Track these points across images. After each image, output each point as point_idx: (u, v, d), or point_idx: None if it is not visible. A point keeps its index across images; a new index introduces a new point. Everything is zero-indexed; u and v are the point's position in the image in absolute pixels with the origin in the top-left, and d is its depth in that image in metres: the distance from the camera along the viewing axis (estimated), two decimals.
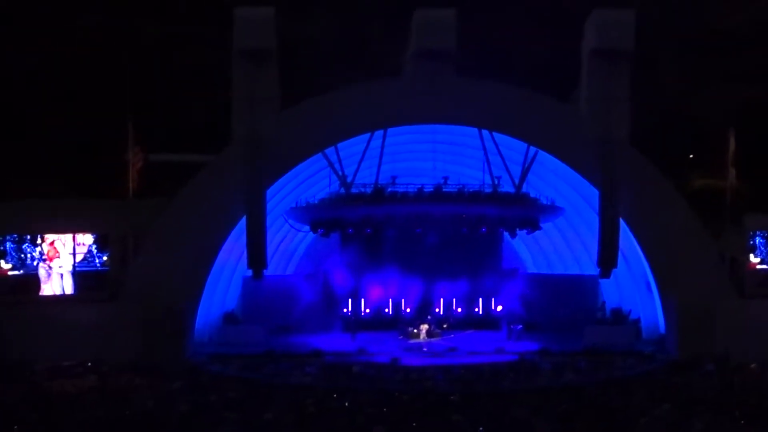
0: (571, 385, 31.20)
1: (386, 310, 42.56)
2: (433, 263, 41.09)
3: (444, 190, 38.35)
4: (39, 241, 35.90)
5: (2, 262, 35.60)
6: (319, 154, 38.00)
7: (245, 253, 36.63)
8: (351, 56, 45.74)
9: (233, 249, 38.09)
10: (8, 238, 35.56)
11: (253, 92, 35.85)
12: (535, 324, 41.10)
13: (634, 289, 40.10)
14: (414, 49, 37.53)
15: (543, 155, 38.25)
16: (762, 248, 37.38)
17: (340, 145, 37.88)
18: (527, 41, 50.02)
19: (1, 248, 35.51)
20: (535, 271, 45.18)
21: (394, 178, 38.82)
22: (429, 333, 39.40)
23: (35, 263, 35.92)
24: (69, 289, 36.14)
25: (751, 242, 37.34)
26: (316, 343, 37.70)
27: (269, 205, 37.21)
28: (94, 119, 45.80)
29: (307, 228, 40.36)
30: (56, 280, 36.19)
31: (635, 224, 37.45)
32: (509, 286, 42.03)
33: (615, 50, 36.06)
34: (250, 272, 37.41)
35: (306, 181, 40.62)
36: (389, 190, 38.07)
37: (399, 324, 40.81)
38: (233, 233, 37.02)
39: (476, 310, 43.00)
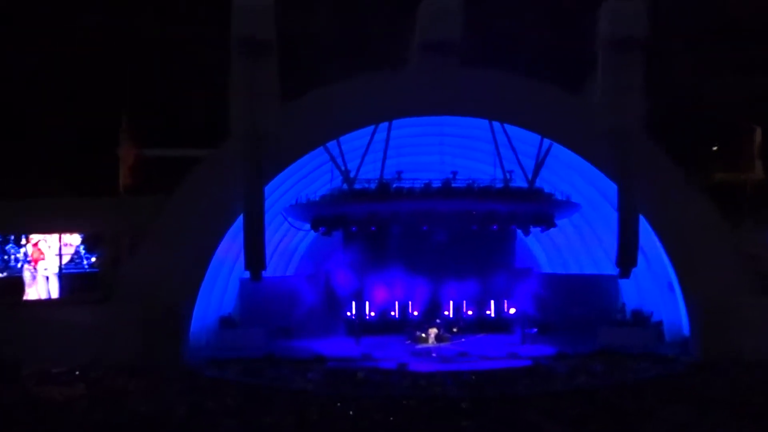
0: (585, 388, 31.45)
1: (392, 312, 42.87)
2: (441, 263, 41.41)
3: (452, 185, 38.49)
4: (24, 241, 36.17)
5: None
6: (321, 149, 38.31)
7: (242, 253, 36.93)
8: (353, 48, 46.02)
9: (230, 249, 38.38)
10: None
11: (252, 85, 36.01)
12: (551, 327, 41.39)
13: (656, 290, 40.26)
14: (419, 40, 37.83)
15: (557, 148, 38.47)
16: None
17: (342, 139, 38.18)
18: (537, 30, 50.24)
19: None
20: (550, 270, 45.45)
21: (399, 173, 38.98)
22: (438, 337, 39.68)
23: (19, 265, 36.23)
24: (55, 293, 36.40)
25: None
26: (318, 347, 37.98)
27: (268, 203, 37.37)
28: (89, 117, 46.28)
29: (307, 226, 40.52)
30: (41, 283, 36.49)
31: (656, 220, 37.61)
32: (522, 287, 42.22)
33: (629, 39, 36.25)
34: (247, 274, 37.48)
35: (307, 177, 40.94)
36: (394, 185, 38.26)
37: (406, 327, 41.12)
38: (230, 232, 37.32)
39: (488, 312, 43.27)
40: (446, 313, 42.57)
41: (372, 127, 38.36)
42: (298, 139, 37.37)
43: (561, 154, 38.90)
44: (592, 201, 40.90)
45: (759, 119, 40.84)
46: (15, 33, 47.91)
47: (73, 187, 42.66)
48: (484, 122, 38.74)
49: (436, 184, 38.37)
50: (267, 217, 37.21)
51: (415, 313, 42.31)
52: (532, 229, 40.04)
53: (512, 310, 42.84)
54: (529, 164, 38.97)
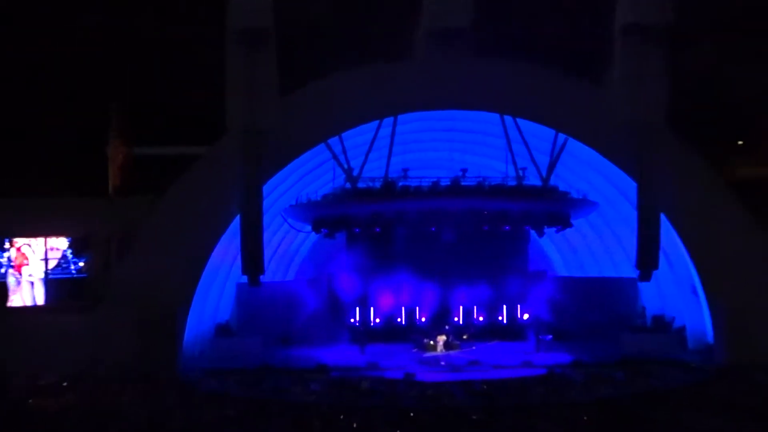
0: (605, 398, 31.32)
1: (398, 319, 42.86)
2: (450, 266, 41.43)
3: (462, 183, 38.48)
4: (7, 245, 36.18)
5: None
6: (322, 145, 38.28)
7: (239, 256, 36.91)
8: (356, 38, 46.03)
9: (226, 252, 38.32)
10: None
11: (249, 77, 35.97)
12: (567, 333, 41.34)
13: (678, 294, 40.16)
14: (426, 28, 37.77)
15: (573, 143, 38.37)
16: None
17: (345, 135, 38.14)
18: (552, 17, 50.18)
19: None
20: (566, 273, 45.48)
21: (405, 170, 39.01)
22: (447, 344, 39.60)
23: (2, 270, 36.24)
24: (40, 299, 36.41)
25: None
26: (320, 356, 37.94)
27: (266, 203, 37.38)
28: (75, 114, 46.46)
29: (308, 228, 40.60)
30: (26, 289, 36.50)
31: (678, 219, 37.51)
32: (537, 291, 42.32)
33: (650, 25, 36.17)
34: (245, 278, 37.54)
35: (307, 176, 40.89)
36: (400, 184, 38.25)
37: (413, 335, 41.05)
38: (226, 234, 37.28)
39: (500, 318, 43.29)
40: (456, 319, 42.52)
41: (376, 122, 38.29)
42: (298, 135, 37.33)
43: (577, 149, 38.78)
44: (610, 199, 40.80)
45: None
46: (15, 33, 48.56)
47: (60, 188, 42.68)
48: (495, 116, 38.65)
49: (445, 182, 38.32)
50: (266, 218, 37.21)
51: (423, 319, 42.31)
52: (546, 229, 40.01)
53: (526, 316, 42.81)
54: (544, 160, 38.88)
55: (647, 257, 36.90)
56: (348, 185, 38.64)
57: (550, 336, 40.38)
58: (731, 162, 48.77)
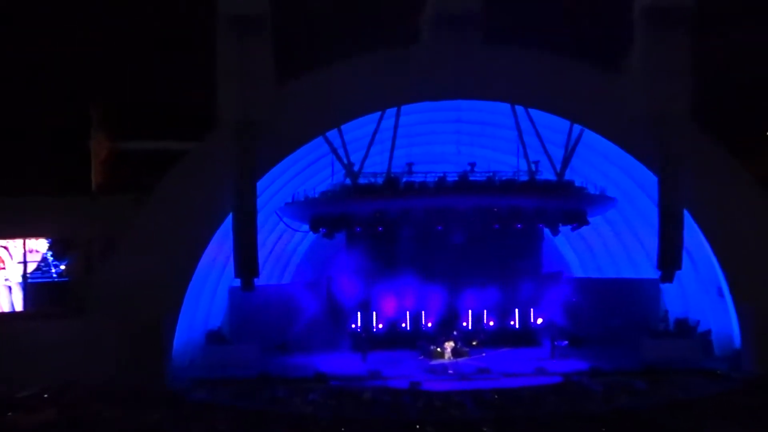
0: (626, 409, 31.21)
1: (403, 324, 42.80)
2: (458, 267, 41.36)
3: (470, 178, 38.47)
4: None
5: None
6: (320, 138, 38.15)
7: (232, 258, 36.82)
8: (357, 24, 46.03)
9: (218, 254, 38.25)
10: None
11: (242, 67, 35.95)
12: (583, 338, 41.32)
13: (703, 296, 40.08)
14: (433, 13, 37.69)
15: (589, 135, 38.27)
16: None
17: (345, 128, 38.01)
18: (567, 1, 50.19)
19: None
20: (583, 274, 45.44)
21: (410, 165, 38.99)
22: (455, 351, 39.53)
23: None
24: (19, 305, 36.37)
25: None
26: (319, 365, 37.91)
27: (261, 200, 37.32)
28: (55, 107, 46.61)
29: (306, 227, 40.51)
30: (3, 295, 36.48)
31: (702, 216, 37.48)
32: (551, 294, 42.24)
33: (672, 9, 36.12)
34: (238, 282, 37.47)
35: (305, 171, 40.83)
36: (404, 179, 38.22)
37: (419, 341, 40.97)
38: (218, 235, 37.18)
39: (512, 323, 43.24)
40: (464, 324, 42.46)
41: (378, 114, 38.20)
42: (294, 128, 37.21)
43: (593, 141, 38.68)
44: (629, 195, 40.74)
45: None
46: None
47: (39, 185, 42.64)
48: (506, 107, 38.58)
49: (452, 178, 38.32)
50: (260, 217, 37.14)
51: (429, 324, 42.21)
52: (561, 227, 39.99)
53: (539, 321, 42.75)
54: (558, 154, 38.81)
55: (669, 257, 36.86)
56: (348, 181, 38.56)
57: (566, 342, 40.43)
58: (760, 156, 48.65)
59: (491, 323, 42.93)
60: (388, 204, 38.16)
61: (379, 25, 44.09)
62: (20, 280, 36.53)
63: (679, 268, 37.22)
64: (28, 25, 49.53)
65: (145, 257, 36.26)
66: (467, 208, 38.11)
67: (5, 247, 36.51)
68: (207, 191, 36.81)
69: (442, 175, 38.24)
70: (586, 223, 39.46)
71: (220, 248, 37.89)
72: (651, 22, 36.50)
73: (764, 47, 49.42)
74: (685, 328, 40.51)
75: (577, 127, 38.33)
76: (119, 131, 41.03)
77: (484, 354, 40.39)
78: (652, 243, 37.82)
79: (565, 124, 38.34)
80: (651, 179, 37.51)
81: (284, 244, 44.04)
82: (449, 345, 39.66)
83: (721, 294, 38.80)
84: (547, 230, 41.32)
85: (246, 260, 36.14)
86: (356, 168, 38.44)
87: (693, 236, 37.73)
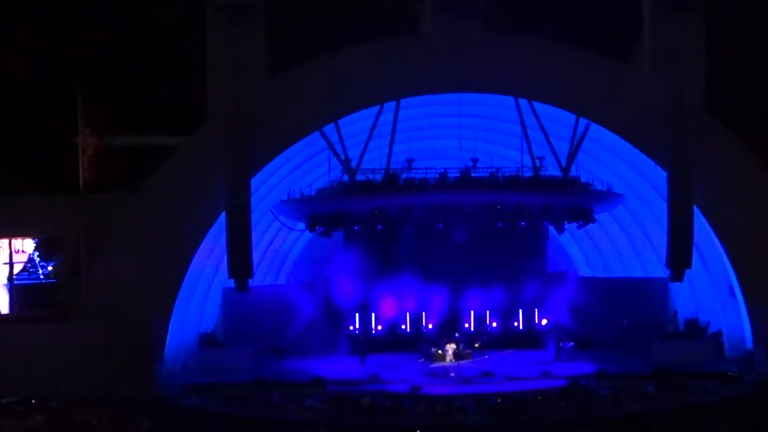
0: (636, 414, 31.06)
1: (403, 326, 42.69)
2: (460, 267, 41.29)
3: (473, 174, 38.36)
4: None
5: None
6: (317, 133, 38.01)
7: (225, 258, 36.68)
8: (354, 12, 45.91)
9: (211, 254, 38.16)
10: None
11: (234, 57, 35.86)
12: (590, 340, 41.26)
13: (714, 295, 40.05)
14: (433, 0, 37.59)
15: (596, 129, 38.18)
16: None
17: (342, 122, 37.89)
18: None
19: None
20: (589, 274, 45.35)
21: (410, 161, 38.94)
22: (457, 354, 39.41)
23: None
24: (5, 307, 36.23)
25: None
26: (316, 369, 37.71)
27: (255, 198, 37.20)
28: (44, 102, 46.64)
29: (302, 225, 40.37)
30: None
31: (714, 214, 37.39)
32: (556, 294, 42.11)
33: None
34: (232, 283, 37.45)
35: (301, 167, 40.70)
36: (404, 176, 38.14)
37: (419, 343, 40.92)
38: (210, 234, 37.07)
39: (516, 324, 43.14)
40: (466, 325, 42.36)
41: (377, 108, 38.02)
42: (289, 122, 37.11)
43: (600, 136, 38.60)
44: (638, 191, 40.68)
45: None
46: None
47: (24, 182, 42.56)
48: (509, 100, 38.45)
49: (454, 174, 38.22)
50: (254, 216, 37.07)
51: (430, 326, 42.12)
52: (567, 225, 39.89)
53: (544, 322, 42.68)
54: (563, 149, 38.69)
55: (679, 255, 36.84)
56: (346, 178, 38.45)
57: (572, 344, 40.24)
58: None
59: (494, 324, 42.84)
60: (387, 201, 38.07)
61: (377, 14, 43.90)
62: (6, 281, 36.37)
63: (689, 266, 37.21)
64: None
65: (134, 257, 36.19)
66: (469, 205, 38.08)
67: None
68: (199, 188, 36.74)
69: (443, 171, 38.17)
70: (593, 220, 39.41)
71: (212, 248, 37.77)
72: (662, 8, 36.37)
73: None
74: (695, 328, 40.57)
75: (583, 121, 38.25)
76: (107, 126, 40.81)
77: (486, 356, 40.40)
78: (661, 241, 37.90)
79: (570, 117, 38.24)
80: (660, 174, 37.46)
81: (279, 244, 43.99)
82: (451, 347, 39.60)
83: (732, 294, 38.78)
84: (552, 228, 41.15)
85: (240, 260, 36.06)
86: (354, 164, 38.33)
87: (703, 234, 37.67)
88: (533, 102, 38.27)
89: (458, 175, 38.23)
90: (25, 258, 36.87)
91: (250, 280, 36.89)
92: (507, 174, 38.37)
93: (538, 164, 38.67)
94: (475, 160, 39.08)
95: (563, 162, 38.60)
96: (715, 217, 37.47)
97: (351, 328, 42.28)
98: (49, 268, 37.01)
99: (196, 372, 37.94)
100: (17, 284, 36.76)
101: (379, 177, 37.99)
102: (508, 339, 42.56)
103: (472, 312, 42.52)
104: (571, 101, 37.82)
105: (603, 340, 41.30)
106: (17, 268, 36.74)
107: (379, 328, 42.50)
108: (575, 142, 38.50)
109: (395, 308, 42.14)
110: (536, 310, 42.85)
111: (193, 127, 37.53)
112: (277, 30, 37.11)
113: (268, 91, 36.47)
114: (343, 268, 41.85)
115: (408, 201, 37.95)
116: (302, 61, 37.92)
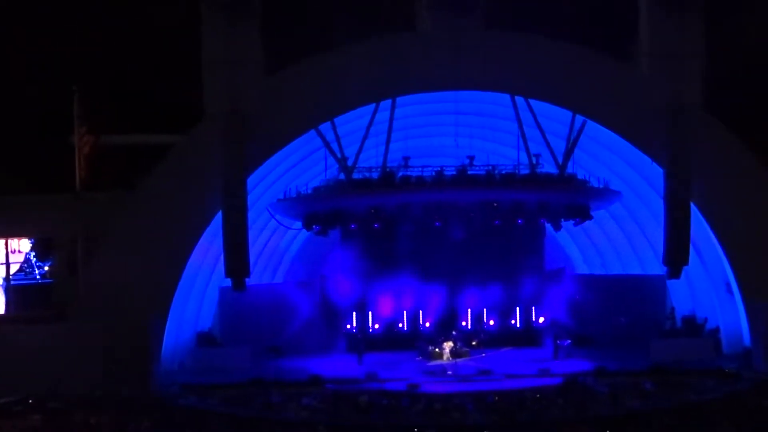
0: (635, 411, 31.21)
1: (400, 324, 42.83)
2: (457, 265, 41.43)
3: (469, 172, 38.47)
4: None
5: None
6: (313, 132, 38.13)
7: (222, 257, 36.80)
8: (351, 8, 45.91)
9: (207, 252, 38.25)
10: None
11: (231, 55, 35.90)
12: (588, 338, 41.42)
13: (711, 292, 40.19)
14: None
15: (593, 126, 38.30)
16: None
17: (338, 120, 38.01)
18: None
19: None
20: (587, 271, 45.51)
21: (406, 159, 38.92)
22: (455, 352, 39.49)
23: None
24: (1, 308, 36.28)
25: None
26: (314, 367, 37.88)
27: (251, 197, 37.35)
28: (39, 100, 46.62)
29: (299, 224, 40.48)
30: None
31: (710, 210, 37.54)
32: (554, 292, 42.36)
33: None
34: (228, 282, 37.54)
35: (297, 166, 40.82)
36: (401, 174, 38.21)
37: (417, 342, 41.02)
38: (207, 233, 37.18)
39: (513, 322, 43.30)
40: (464, 323, 42.49)
41: (373, 105, 38.13)
42: (285, 120, 37.21)
43: (597, 133, 38.74)
44: (635, 188, 40.81)
45: None
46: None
47: (20, 182, 42.56)
48: (506, 97, 38.55)
49: (451, 172, 38.33)
50: (251, 214, 37.19)
51: (428, 324, 42.23)
52: (564, 222, 40.06)
53: (542, 319, 42.86)
54: (560, 146, 38.83)
55: (677, 252, 36.99)
56: (342, 176, 38.57)
57: (570, 341, 40.37)
58: None
59: (492, 322, 42.99)
60: (383, 199, 38.19)
61: (374, 12, 43.94)
62: (2, 282, 36.42)
63: (687, 263, 37.36)
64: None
65: (131, 257, 36.26)
66: (466, 203, 38.16)
67: None
68: (195, 187, 36.81)
69: (439, 168, 38.26)
70: (590, 217, 39.50)
71: (209, 246, 37.86)
72: (660, 6, 36.45)
73: None
74: (692, 325, 40.71)
75: (579, 118, 38.34)
76: (103, 124, 40.85)
77: (484, 354, 40.48)
78: (659, 238, 37.98)
79: (566, 114, 38.36)
80: (657, 171, 37.58)
81: (276, 242, 43.99)
82: (448, 345, 39.66)
83: (729, 290, 38.92)
84: (549, 225, 41.27)
85: (236, 259, 36.16)
86: (350, 162, 38.44)
87: (700, 230, 37.81)
88: (530, 99, 38.30)
89: (455, 172, 38.33)
90: (21, 258, 36.87)
91: (246, 279, 36.97)
92: (504, 171, 38.45)
93: (534, 161, 38.74)
94: (471, 158, 39.12)
95: (560, 159, 38.71)
96: (714, 216, 37.62)
97: (348, 326, 42.40)
98: (46, 268, 37.04)
99: (194, 371, 37.97)
100: (13, 284, 36.75)
101: (375, 175, 38.09)
102: (505, 337, 42.69)
103: (469, 310, 42.65)
104: (570, 100, 37.92)
105: (601, 338, 41.42)
106: (14, 269, 36.75)
107: (377, 326, 42.59)
108: (572, 139, 38.59)
109: (392, 306, 42.25)
110: (534, 307, 43.04)
111: (190, 125, 37.54)
112: (274, 28, 37.13)
113: (264, 90, 36.53)
114: (340, 266, 42.03)
115: (405, 199, 38.07)
116: (299, 59, 37.90)
